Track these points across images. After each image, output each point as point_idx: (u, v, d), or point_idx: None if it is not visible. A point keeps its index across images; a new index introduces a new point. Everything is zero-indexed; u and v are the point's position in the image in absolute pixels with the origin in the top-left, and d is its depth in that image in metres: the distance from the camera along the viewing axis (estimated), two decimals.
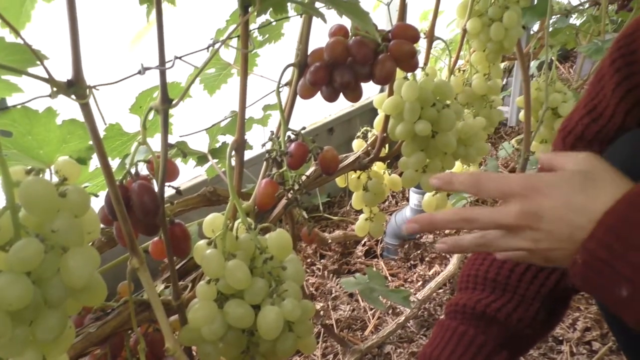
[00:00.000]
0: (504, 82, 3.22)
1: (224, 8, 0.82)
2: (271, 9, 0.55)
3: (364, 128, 1.11)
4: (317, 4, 0.54)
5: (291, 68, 0.75)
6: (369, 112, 2.12)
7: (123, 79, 0.52)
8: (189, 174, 1.64)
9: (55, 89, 0.41)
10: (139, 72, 0.51)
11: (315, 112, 2.12)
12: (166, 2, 0.68)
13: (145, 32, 0.70)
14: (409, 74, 0.92)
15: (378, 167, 1.11)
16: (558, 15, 1.88)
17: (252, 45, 0.58)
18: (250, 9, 0.55)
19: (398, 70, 0.74)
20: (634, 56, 0.53)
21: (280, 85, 0.77)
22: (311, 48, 0.74)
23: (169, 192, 0.64)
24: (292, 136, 0.73)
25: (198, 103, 1.60)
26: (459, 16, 1.20)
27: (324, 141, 2.23)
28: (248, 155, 1.74)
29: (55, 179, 0.48)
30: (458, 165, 1.25)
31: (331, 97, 0.72)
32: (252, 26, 0.82)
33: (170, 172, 0.62)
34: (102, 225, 0.59)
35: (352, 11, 0.50)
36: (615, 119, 0.57)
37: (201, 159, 0.95)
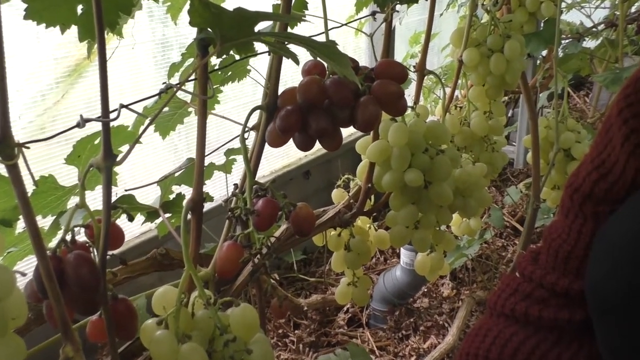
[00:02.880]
0: (509, 114, 3.29)
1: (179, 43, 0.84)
2: (234, 50, 0.57)
3: (345, 176, 1.13)
4: (289, 45, 0.56)
5: (258, 112, 0.77)
6: (352, 152, 2.14)
7: (58, 134, 0.52)
8: (136, 229, 1.64)
9: None
10: (77, 125, 0.52)
11: (289, 151, 2.14)
12: (115, 35, 0.70)
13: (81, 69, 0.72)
14: None
15: (362, 221, 1.12)
16: (569, 40, 1.95)
17: (211, 90, 0.60)
18: (209, 49, 0.56)
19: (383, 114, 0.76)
20: None
21: (246, 130, 0.78)
22: (282, 87, 0.76)
23: (112, 259, 0.64)
24: (260, 191, 0.74)
25: (149, 142, 1.61)
26: (454, 44, 1.24)
27: (299, 186, 2.24)
28: (208, 206, 1.74)
29: None
30: (456, 219, 1.27)
31: (305, 146, 0.74)
32: (213, 59, 0.85)
33: (114, 238, 0.62)
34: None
35: (328, 54, 0.52)
36: (625, 176, 0.58)
37: (151, 214, 0.96)
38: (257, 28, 0.56)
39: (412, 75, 1.16)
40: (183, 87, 0.69)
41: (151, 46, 1.55)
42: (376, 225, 1.13)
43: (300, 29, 0.85)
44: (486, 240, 1.99)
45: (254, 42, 0.57)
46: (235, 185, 0.79)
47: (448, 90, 1.22)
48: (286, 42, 0.58)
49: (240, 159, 1.07)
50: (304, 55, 0.66)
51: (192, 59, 0.92)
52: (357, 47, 2.42)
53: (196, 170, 0.70)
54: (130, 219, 0.65)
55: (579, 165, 0.65)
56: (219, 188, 1.77)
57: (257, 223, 0.70)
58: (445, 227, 1.11)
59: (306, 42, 0.52)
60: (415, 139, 0.94)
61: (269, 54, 0.74)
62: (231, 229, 0.77)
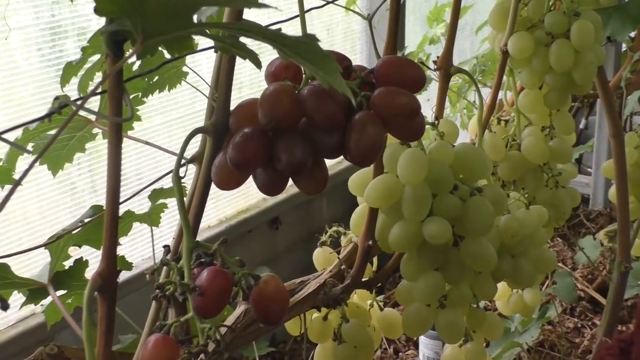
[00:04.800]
0: (580, 127, 3.33)
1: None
2: (163, 47, 0.58)
3: (333, 228, 1.13)
4: (246, 39, 0.58)
5: (200, 136, 0.78)
6: (343, 189, 2.15)
7: None
8: (13, 315, 1.63)
9: None
10: None
11: (248, 189, 2.16)
12: None
13: None
14: None
15: (360, 297, 1.12)
16: None
17: (129, 108, 0.61)
18: (125, 49, 0.57)
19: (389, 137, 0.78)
20: None
21: (183, 163, 0.79)
22: (237, 98, 0.77)
23: None
24: (204, 256, 0.74)
25: (33, 180, 1.62)
26: (494, 27, 1.26)
27: (263, 242, 2.24)
28: (125, 276, 1.74)
29: None
30: (503, 291, 1.28)
31: (272, 187, 0.75)
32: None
33: None
34: None
35: (305, 54, 0.53)
36: None
37: (36, 293, 0.96)
38: (199, 16, 0.57)
39: (433, 74, 1.18)
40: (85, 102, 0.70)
41: (34, 33, 1.56)
42: (382, 302, 1.14)
43: (264, 15, 0.86)
44: (550, 320, 2.00)
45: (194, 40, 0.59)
46: (166, 247, 0.79)
47: (486, 94, 1.24)
48: (242, 36, 0.59)
49: (173, 203, 1.07)
50: (268, 52, 0.67)
51: (98, 56, 0.94)
52: (347, 29, 2.46)
53: (106, 225, 0.70)
54: (4, 306, 0.66)
55: None
56: (140, 248, 1.77)
57: (200, 306, 0.71)
58: (487, 304, 1.12)
59: (271, 36, 0.54)
60: (438, 171, 0.96)
61: (216, 51, 0.75)
62: (160, 315, 0.78)
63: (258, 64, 0.57)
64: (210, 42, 0.65)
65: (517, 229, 1.06)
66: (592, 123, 3.19)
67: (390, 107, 0.73)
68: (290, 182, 0.77)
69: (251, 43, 0.63)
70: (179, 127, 1.95)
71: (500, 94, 1.27)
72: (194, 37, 0.62)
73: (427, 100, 2.61)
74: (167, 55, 0.71)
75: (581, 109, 3.10)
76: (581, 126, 3.25)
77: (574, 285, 1.98)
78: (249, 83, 2.22)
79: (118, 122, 0.63)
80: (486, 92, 1.28)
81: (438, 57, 1.14)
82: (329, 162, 0.79)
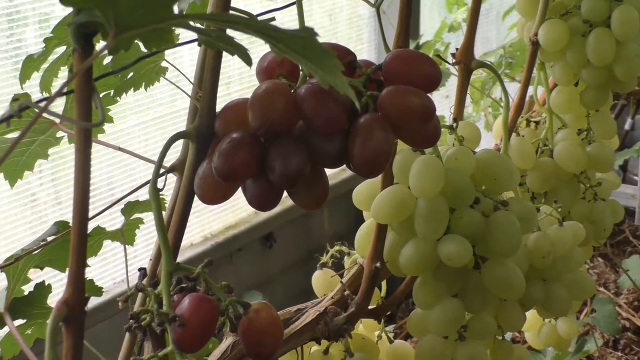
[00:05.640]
0: (627, 127, 3.31)
1: None
2: (140, 40, 0.58)
3: (336, 247, 1.14)
4: (233, 33, 0.58)
5: (182, 142, 0.79)
6: (347, 202, 2.15)
7: None
8: None
9: None
10: None
11: (237, 202, 2.14)
12: None
13: None
14: None
15: (367, 327, 1.13)
16: None
17: (100, 111, 0.61)
18: (95, 42, 0.58)
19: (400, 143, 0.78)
20: None
21: (162, 172, 0.80)
22: (224, 98, 0.78)
23: None
24: (186, 281, 0.75)
25: None
26: (523, 14, 1.27)
27: (255, 263, 2.24)
28: (94, 302, 1.75)
29: None
30: (533, 321, 1.28)
31: (265, 201, 0.75)
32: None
33: None
34: None
35: (303, 50, 0.54)
36: None
37: None
38: (180, 5, 0.58)
39: (452, 68, 1.19)
40: (48, 100, 0.71)
41: None
42: (392, 334, 1.14)
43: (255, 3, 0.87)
44: (589, 355, 2.00)
45: (175, 33, 0.59)
46: (142, 270, 0.80)
47: (514, 90, 1.24)
48: (230, 29, 0.60)
49: (150, 219, 1.08)
50: (260, 44, 0.68)
51: (63, 48, 0.94)
52: (353, 15, 2.46)
53: (73, 244, 0.71)
54: None
55: None
56: (112, 270, 1.78)
57: (182, 338, 0.72)
58: (515, 336, 1.12)
59: (264, 30, 0.54)
60: (457, 183, 0.96)
61: (200, 45, 0.76)
62: (135, 349, 0.78)
63: (248, 61, 0.58)
64: (193, 35, 0.66)
65: (549, 249, 1.06)
66: (639, 123, 3.17)
67: (401, 109, 0.74)
68: (286, 194, 0.77)
69: (240, 36, 0.63)
70: (157, 130, 1.94)
71: (531, 92, 1.27)
72: (176, 29, 0.63)
73: (445, 98, 2.62)
74: (144, 50, 0.71)
75: (627, 107, 3.06)
76: (627, 127, 3.22)
77: (617, 314, 1.98)
78: (239, 78, 2.21)
79: (87, 127, 0.63)
80: (514, 89, 1.28)
81: (458, 49, 1.15)
82: (330, 171, 0.79)
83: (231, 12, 0.76)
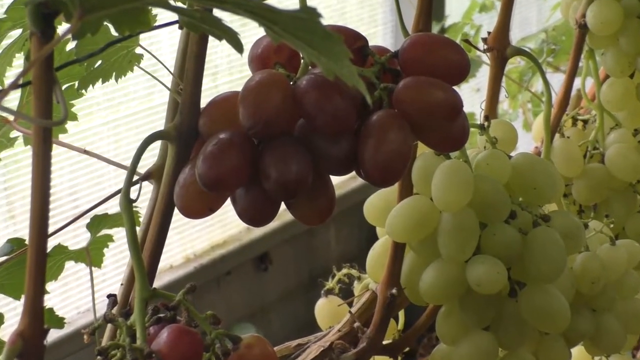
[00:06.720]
0: None
1: None
2: (109, 22, 0.59)
3: (343, 271, 1.14)
4: (220, 13, 0.59)
5: (159, 144, 0.79)
6: (356, 214, 2.15)
7: None
8: None
9: None
10: None
11: (226, 216, 2.14)
12: None
13: None
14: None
15: None
16: None
17: (62, 108, 0.62)
18: (57, 24, 0.58)
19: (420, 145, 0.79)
20: None
21: (135, 180, 0.80)
22: (209, 91, 0.78)
23: None
24: (164, 310, 0.75)
25: None
26: None
27: (247, 288, 2.24)
28: (55, 335, 1.76)
29: None
30: (579, 358, 1.28)
31: (258, 214, 0.75)
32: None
33: None
34: None
35: (303, 34, 0.54)
36: None
37: None
38: None
39: (484, 55, 1.19)
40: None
41: None
42: None
43: None
44: None
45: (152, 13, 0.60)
46: (112, 297, 0.80)
47: (557, 82, 1.25)
48: (217, 9, 0.60)
49: (121, 234, 1.08)
50: (254, 27, 0.68)
51: (19, 32, 0.95)
52: (362, 15, 2.46)
53: (29, 266, 0.71)
54: None
55: None
56: (76, 297, 1.78)
57: None
58: None
59: (257, 10, 0.54)
60: (488, 193, 0.96)
61: (181, 28, 0.76)
62: None
63: (238, 47, 0.58)
64: (173, 15, 0.66)
65: (599, 272, 1.06)
66: None
67: (421, 104, 0.74)
68: (284, 207, 0.77)
69: (230, 17, 0.63)
70: (129, 129, 1.94)
71: (577, 84, 1.27)
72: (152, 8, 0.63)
73: (475, 91, 2.62)
74: (115, 33, 0.72)
75: None
76: None
77: None
78: (227, 67, 2.21)
79: (46, 126, 0.64)
80: (558, 80, 1.28)
81: (490, 32, 1.15)
82: (337, 179, 0.79)
83: None
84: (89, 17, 0.57)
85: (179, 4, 0.64)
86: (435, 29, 1.96)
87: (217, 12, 0.63)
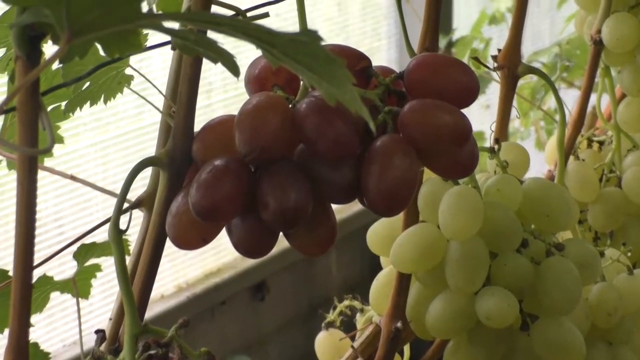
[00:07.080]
0: None
1: None
2: (99, 44, 0.59)
3: (345, 302, 1.14)
4: (214, 35, 0.59)
5: (150, 170, 0.79)
6: (359, 241, 2.14)
7: None
8: None
9: None
10: None
11: (220, 243, 2.13)
12: None
13: None
14: None
15: None
16: None
17: (49, 135, 0.62)
18: (44, 50, 0.58)
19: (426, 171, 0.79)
20: None
21: (126, 208, 0.80)
22: (205, 115, 0.79)
23: None
24: (155, 347, 0.76)
25: None
26: (583, 7, 1.27)
27: (243, 319, 2.23)
28: None
29: None
30: None
31: (255, 245, 0.75)
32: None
33: None
34: None
35: (303, 58, 0.54)
36: None
37: None
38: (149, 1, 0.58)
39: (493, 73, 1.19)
40: None
41: None
42: None
43: None
44: None
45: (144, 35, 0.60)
46: (100, 332, 0.80)
47: (571, 99, 1.25)
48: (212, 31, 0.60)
49: (109, 264, 1.08)
50: (248, 49, 0.68)
51: (2, 51, 0.95)
52: (368, 3, 2.46)
53: (13, 298, 0.71)
54: None
55: None
56: (61, 329, 1.78)
57: None
58: None
59: (254, 32, 0.55)
60: (499, 221, 0.96)
61: (174, 49, 0.76)
62: None
63: (235, 71, 0.58)
64: (165, 36, 0.66)
65: (616, 303, 1.06)
66: None
67: (428, 129, 0.75)
68: (282, 236, 0.77)
69: (225, 38, 0.64)
70: (118, 151, 1.90)
71: (593, 102, 1.27)
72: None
73: (485, 108, 2.62)
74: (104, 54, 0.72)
75: None
76: None
77: None
78: (222, 84, 2.21)
79: (32, 154, 0.64)
80: (572, 97, 1.28)
81: (500, 50, 1.15)
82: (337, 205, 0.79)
83: (214, 6, 0.76)
84: (77, 40, 0.57)
85: (172, 25, 0.64)
86: (442, 42, 1.96)
87: (211, 34, 0.63)
